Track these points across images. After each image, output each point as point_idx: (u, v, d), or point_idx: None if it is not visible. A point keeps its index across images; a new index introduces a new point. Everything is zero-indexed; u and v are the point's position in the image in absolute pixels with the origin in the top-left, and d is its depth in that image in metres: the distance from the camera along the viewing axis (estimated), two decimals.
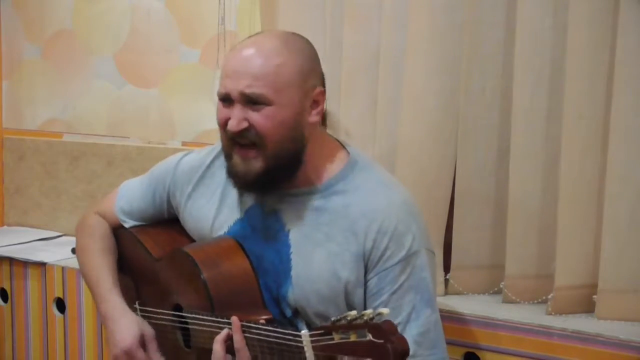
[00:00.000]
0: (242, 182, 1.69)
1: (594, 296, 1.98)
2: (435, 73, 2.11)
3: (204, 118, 2.71)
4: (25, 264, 2.70)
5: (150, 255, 1.86)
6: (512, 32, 2.03)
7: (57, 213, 3.03)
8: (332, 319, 1.37)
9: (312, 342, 1.42)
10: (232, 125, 1.63)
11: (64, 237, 2.97)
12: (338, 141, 1.77)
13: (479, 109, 2.10)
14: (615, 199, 1.93)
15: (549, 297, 2.01)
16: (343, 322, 1.35)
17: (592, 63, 1.93)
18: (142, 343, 1.81)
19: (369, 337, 1.33)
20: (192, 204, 1.84)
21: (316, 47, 2.36)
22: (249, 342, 1.57)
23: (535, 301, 2.07)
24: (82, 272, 1.95)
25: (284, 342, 1.49)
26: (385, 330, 1.33)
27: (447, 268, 2.17)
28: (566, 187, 1.97)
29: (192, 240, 1.85)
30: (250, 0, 2.58)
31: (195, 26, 2.71)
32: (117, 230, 1.97)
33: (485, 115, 2.11)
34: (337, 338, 1.37)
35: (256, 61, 1.62)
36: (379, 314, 1.34)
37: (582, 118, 1.95)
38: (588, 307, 1.99)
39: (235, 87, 1.62)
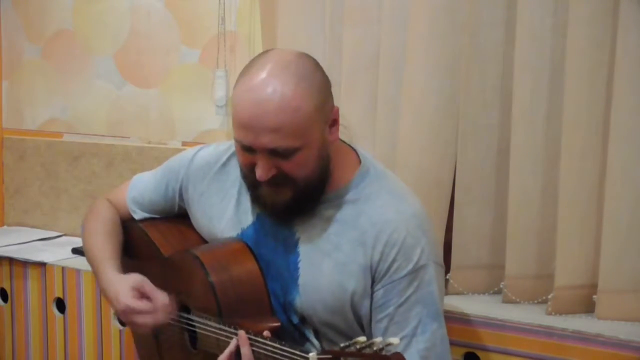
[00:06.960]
0: (270, 211, 1.67)
1: (594, 296, 1.97)
2: (435, 73, 2.11)
3: (204, 118, 2.70)
4: (25, 264, 2.69)
5: (159, 253, 1.86)
6: (512, 32, 2.02)
7: (57, 213, 3.03)
8: (341, 344, 1.35)
9: None
10: (261, 176, 1.58)
11: (64, 237, 2.97)
12: (351, 148, 1.75)
13: (479, 109, 2.10)
14: (615, 199, 1.92)
15: (549, 297, 2.01)
16: (352, 349, 1.33)
17: (592, 63, 1.93)
18: (139, 294, 1.75)
19: None
20: (204, 201, 1.82)
21: (316, 47, 2.35)
22: (255, 355, 1.55)
23: (535, 301, 2.07)
24: (87, 254, 1.93)
25: None
26: None
27: (447, 268, 2.17)
28: (566, 187, 1.97)
29: (202, 239, 1.84)
30: (250, 0, 2.57)
31: (195, 26, 2.71)
32: (127, 223, 1.95)
33: (485, 115, 2.10)
34: None
35: (273, 112, 1.53)
36: (389, 344, 1.31)
37: (582, 118, 1.95)
38: (588, 307, 1.99)
39: (257, 141, 1.55)
